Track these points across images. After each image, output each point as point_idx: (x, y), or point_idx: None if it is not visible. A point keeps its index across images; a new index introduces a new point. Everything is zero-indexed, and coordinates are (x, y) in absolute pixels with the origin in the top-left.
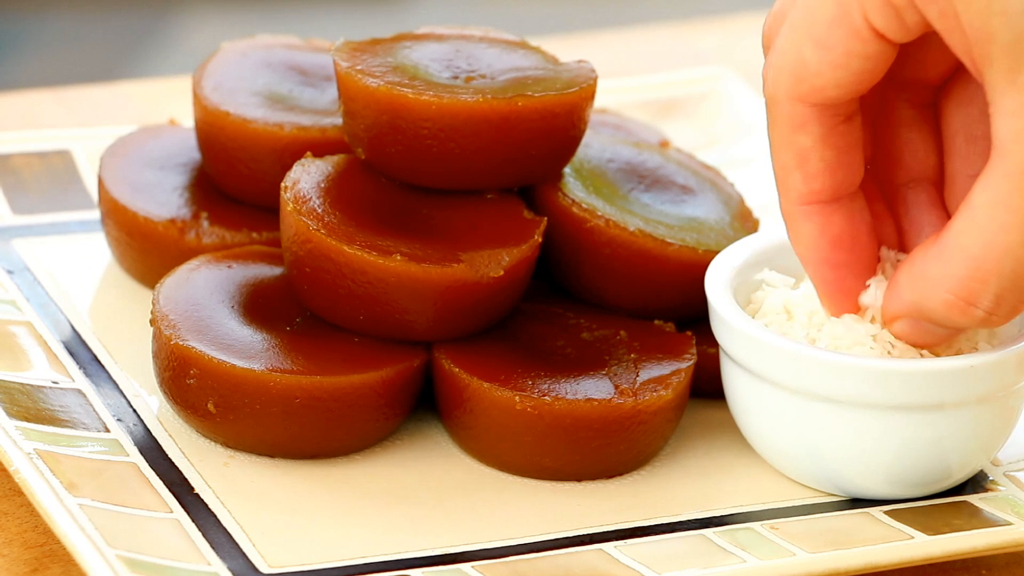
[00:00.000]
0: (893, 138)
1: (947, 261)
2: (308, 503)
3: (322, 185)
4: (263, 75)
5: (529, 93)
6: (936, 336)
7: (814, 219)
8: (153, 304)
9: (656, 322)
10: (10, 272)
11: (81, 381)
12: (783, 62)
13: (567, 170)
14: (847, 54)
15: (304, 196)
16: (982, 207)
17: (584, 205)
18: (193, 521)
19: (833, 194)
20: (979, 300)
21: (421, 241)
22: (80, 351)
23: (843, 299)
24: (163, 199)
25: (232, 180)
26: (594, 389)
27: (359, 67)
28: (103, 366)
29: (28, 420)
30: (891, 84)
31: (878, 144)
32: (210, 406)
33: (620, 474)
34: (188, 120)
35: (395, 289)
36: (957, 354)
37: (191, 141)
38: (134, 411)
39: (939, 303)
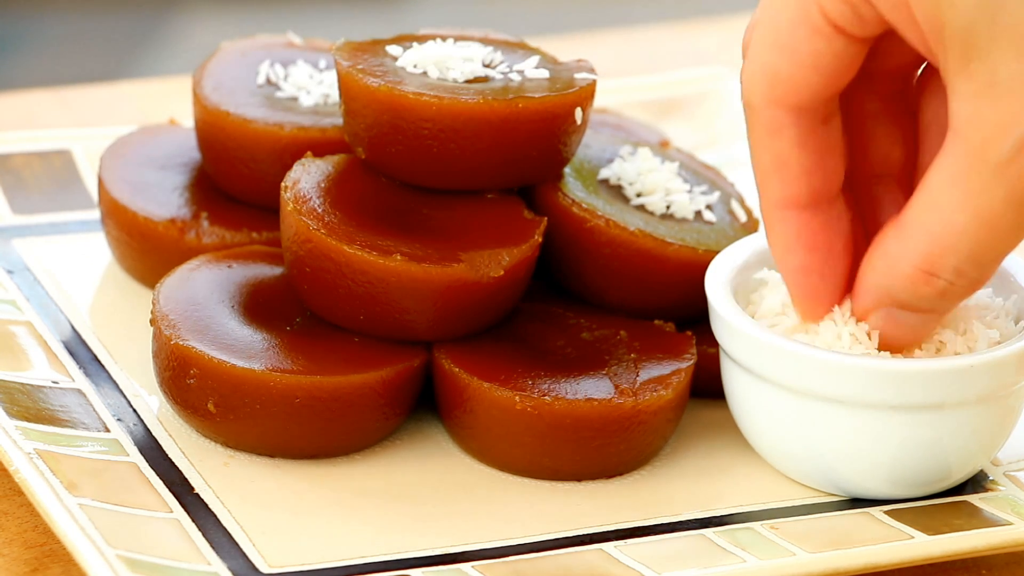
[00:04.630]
0: (860, 132)
1: (908, 238)
2: (308, 503)
3: (322, 185)
4: (263, 75)
5: (529, 94)
6: (910, 326)
7: (791, 223)
8: (153, 304)
9: (656, 322)
10: (10, 272)
11: (81, 381)
12: (755, 67)
13: (567, 170)
14: (813, 54)
15: (304, 196)
16: (939, 187)
17: (584, 205)
18: (193, 521)
19: (811, 199)
20: (940, 271)
21: (421, 241)
22: (80, 351)
23: (817, 306)
24: (163, 199)
25: (232, 180)
26: (594, 389)
27: (360, 67)
28: (103, 366)
29: (28, 420)
30: (857, 77)
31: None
32: (210, 406)
33: (620, 474)
34: (188, 120)
35: (395, 289)
36: (937, 354)
37: (191, 141)
38: (134, 411)
39: (903, 278)
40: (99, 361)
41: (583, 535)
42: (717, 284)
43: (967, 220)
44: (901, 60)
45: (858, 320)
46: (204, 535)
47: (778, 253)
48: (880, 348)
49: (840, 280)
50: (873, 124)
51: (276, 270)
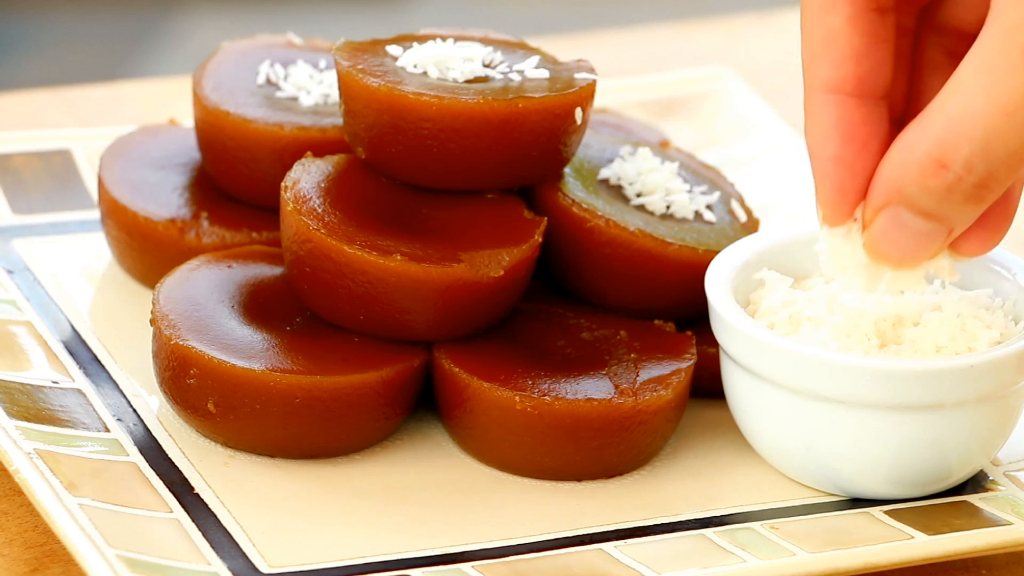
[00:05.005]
0: (920, 79)
1: (926, 124)
2: (308, 503)
3: (322, 185)
4: (263, 75)
5: (529, 94)
6: (912, 232)
7: (833, 109)
8: (153, 304)
9: (656, 322)
10: (10, 272)
11: (81, 381)
12: None
13: (567, 170)
14: None
15: (304, 196)
16: (965, 71)
17: (584, 205)
18: (193, 521)
19: (857, 86)
20: (952, 161)
21: (421, 241)
22: (80, 351)
23: (841, 203)
24: (163, 199)
25: (232, 180)
26: (594, 389)
27: (360, 67)
28: (103, 366)
29: (28, 420)
30: (927, 27)
31: (910, 85)
32: (210, 406)
33: (620, 474)
34: (188, 120)
35: (395, 289)
36: (937, 354)
37: (191, 141)
38: (134, 411)
39: (914, 166)
40: (99, 361)
41: (583, 535)
42: (717, 284)
43: (988, 105)
44: (970, 19)
45: (865, 227)
46: (204, 535)
47: (814, 140)
48: (876, 259)
49: (867, 184)
50: (931, 72)
51: (276, 270)
